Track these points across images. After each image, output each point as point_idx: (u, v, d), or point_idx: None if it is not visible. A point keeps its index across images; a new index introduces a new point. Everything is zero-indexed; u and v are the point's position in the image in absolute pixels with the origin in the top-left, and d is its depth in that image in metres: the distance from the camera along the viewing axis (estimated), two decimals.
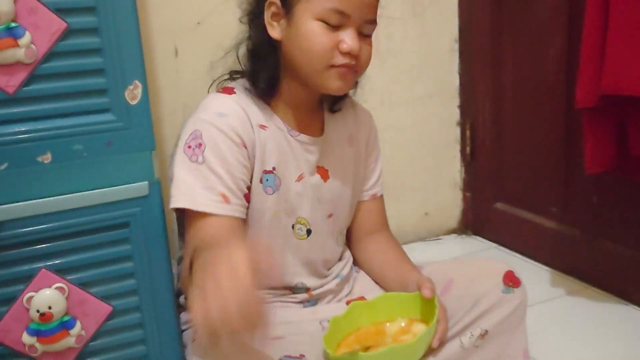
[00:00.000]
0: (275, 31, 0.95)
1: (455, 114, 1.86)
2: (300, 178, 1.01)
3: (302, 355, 0.88)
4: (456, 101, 1.85)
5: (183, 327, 1.05)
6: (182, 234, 1.01)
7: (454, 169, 1.90)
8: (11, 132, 0.90)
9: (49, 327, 0.94)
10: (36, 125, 0.91)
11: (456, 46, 1.82)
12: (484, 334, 0.94)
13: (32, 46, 0.88)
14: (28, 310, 0.93)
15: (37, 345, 0.94)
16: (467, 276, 1.00)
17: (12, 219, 0.91)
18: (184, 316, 1.06)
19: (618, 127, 1.27)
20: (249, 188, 0.96)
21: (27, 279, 0.93)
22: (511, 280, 0.97)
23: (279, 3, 0.93)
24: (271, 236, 1.01)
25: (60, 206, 0.93)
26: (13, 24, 0.86)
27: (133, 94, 0.95)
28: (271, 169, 0.98)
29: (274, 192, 0.98)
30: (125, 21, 0.92)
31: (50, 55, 0.90)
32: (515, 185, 1.74)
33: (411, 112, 1.79)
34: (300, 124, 1.01)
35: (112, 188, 0.96)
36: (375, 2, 0.94)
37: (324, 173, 1.04)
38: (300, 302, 1.05)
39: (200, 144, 0.92)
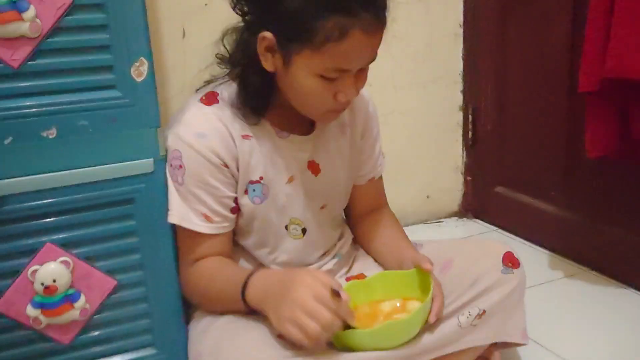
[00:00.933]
0: (268, 63, 0.90)
1: (458, 98, 1.86)
2: (290, 180, 1.01)
3: None
4: (459, 86, 1.85)
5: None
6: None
7: (455, 153, 1.90)
8: (16, 106, 0.90)
9: (53, 300, 0.95)
10: (41, 100, 0.91)
11: (460, 31, 1.81)
12: (481, 314, 0.95)
13: (37, 20, 0.88)
14: (32, 283, 0.94)
15: (41, 317, 0.95)
16: (466, 256, 1.01)
17: (17, 193, 0.92)
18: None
19: (620, 112, 1.27)
20: (236, 199, 0.98)
21: (31, 252, 0.94)
22: (510, 261, 0.98)
23: (274, 43, 0.87)
24: (262, 239, 1.02)
25: (65, 181, 0.94)
26: None
27: (139, 70, 0.95)
28: (258, 179, 0.98)
29: (262, 202, 0.99)
30: None
31: (56, 30, 0.90)
32: (516, 170, 1.75)
33: (414, 96, 1.79)
34: (289, 124, 1.00)
35: (117, 164, 0.96)
36: (379, 44, 0.89)
37: (314, 167, 1.03)
38: None
39: (180, 166, 0.93)
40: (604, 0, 1.20)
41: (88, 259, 0.97)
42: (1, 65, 0.88)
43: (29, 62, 0.89)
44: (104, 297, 0.99)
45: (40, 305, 0.95)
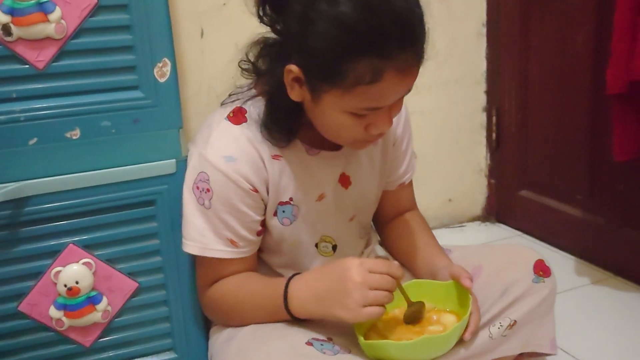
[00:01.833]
0: (294, 94, 0.83)
1: (482, 99, 1.83)
2: (320, 198, 0.97)
3: (330, 339, 0.88)
4: (483, 86, 1.82)
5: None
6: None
7: (479, 155, 1.88)
8: (40, 107, 0.90)
9: (75, 301, 0.95)
10: (65, 101, 0.91)
11: (484, 30, 1.78)
12: (512, 324, 0.92)
13: (62, 21, 0.88)
14: (55, 284, 0.94)
15: (64, 319, 0.95)
16: (496, 263, 0.98)
17: (40, 194, 0.92)
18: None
19: None
20: (264, 222, 0.94)
21: (54, 253, 0.94)
22: (541, 269, 0.95)
23: (301, 77, 0.81)
24: (292, 260, 0.99)
25: (88, 182, 0.94)
26: None
27: (162, 71, 0.94)
28: (288, 200, 0.94)
29: (291, 223, 0.95)
30: None
31: (80, 31, 0.90)
32: (540, 173, 1.72)
33: (436, 97, 1.77)
34: (320, 140, 0.92)
35: (139, 165, 0.96)
36: (415, 78, 0.81)
37: (345, 180, 0.99)
38: None
39: (207, 190, 0.88)
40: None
41: (110, 260, 0.97)
42: (27, 66, 0.89)
43: (54, 63, 0.90)
44: (126, 299, 0.99)
45: (63, 307, 0.95)
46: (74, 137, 0.93)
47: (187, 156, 0.97)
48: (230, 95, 0.98)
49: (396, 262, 0.84)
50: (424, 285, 0.96)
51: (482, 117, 1.85)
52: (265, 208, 0.93)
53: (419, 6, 0.80)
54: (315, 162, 0.95)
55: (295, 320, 0.88)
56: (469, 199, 1.90)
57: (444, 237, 1.75)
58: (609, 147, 1.28)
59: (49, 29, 0.87)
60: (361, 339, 0.85)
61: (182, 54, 1.43)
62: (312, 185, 0.95)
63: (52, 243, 0.94)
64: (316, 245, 1.00)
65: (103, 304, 0.97)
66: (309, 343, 0.84)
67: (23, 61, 0.88)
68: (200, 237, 0.90)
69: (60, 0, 0.87)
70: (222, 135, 0.89)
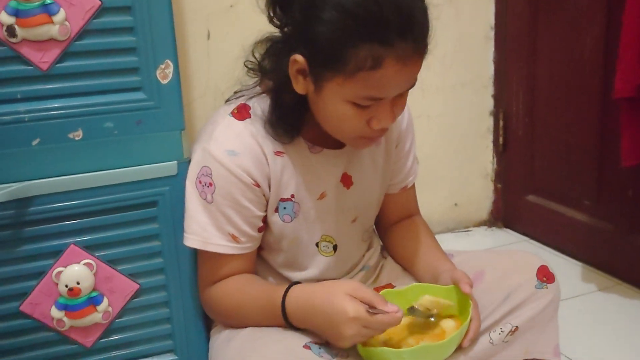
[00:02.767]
0: (299, 86, 0.85)
1: (489, 103, 1.83)
2: (322, 196, 0.97)
3: (327, 341, 0.87)
4: (490, 90, 1.81)
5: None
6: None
7: (485, 159, 1.87)
8: (44, 108, 0.91)
9: (76, 302, 0.95)
10: (68, 102, 0.92)
11: (491, 34, 1.78)
12: (513, 330, 0.92)
13: (66, 23, 0.88)
14: (57, 284, 0.94)
15: (65, 319, 0.95)
16: (499, 268, 0.97)
17: (42, 194, 0.92)
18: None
19: None
20: (265, 218, 0.95)
21: (56, 254, 0.94)
22: (545, 275, 0.94)
23: (305, 67, 0.82)
24: (292, 258, 0.99)
25: (90, 183, 0.94)
26: (48, 1, 0.87)
27: (164, 73, 0.95)
28: (289, 197, 0.94)
29: (292, 220, 0.95)
30: (158, 0, 0.92)
31: (84, 33, 0.90)
32: (547, 177, 1.71)
33: (443, 100, 1.76)
34: (323, 139, 0.93)
35: (141, 167, 0.96)
36: (417, 72, 0.83)
37: (347, 180, 0.99)
38: None
39: (210, 184, 0.89)
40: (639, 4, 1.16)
41: (111, 261, 0.97)
42: (31, 67, 0.89)
43: (57, 65, 0.90)
44: (126, 300, 0.99)
45: (64, 307, 0.95)
46: (77, 138, 0.93)
47: (189, 158, 0.97)
48: (235, 92, 0.99)
49: (395, 307, 0.81)
50: (424, 289, 0.95)
51: (489, 121, 1.84)
52: (267, 204, 0.94)
53: (421, 0, 0.82)
54: (317, 160, 0.95)
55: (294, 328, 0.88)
56: (476, 203, 1.89)
57: (450, 242, 1.76)
58: (618, 151, 1.27)
59: (53, 30, 0.88)
60: (359, 345, 0.84)
61: (188, 55, 1.43)
62: (313, 183, 0.95)
63: (54, 243, 0.94)
64: (317, 245, 0.99)
65: (104, 305, 0.97)
66: (306, 346, 0.83)
67: (27, 62, 0.89)
68: (202, 231, 0.91)
69: (64, 1, 0.87)
70: (226, 130, 0.90)
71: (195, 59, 1.44)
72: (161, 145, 0.97)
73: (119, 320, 1.00)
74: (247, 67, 0.95)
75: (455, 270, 0.94)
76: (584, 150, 1.56)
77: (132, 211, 0.97)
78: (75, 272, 0.94)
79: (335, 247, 1.01)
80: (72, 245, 0.95)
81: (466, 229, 1.88)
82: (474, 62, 1.78)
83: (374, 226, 1.13)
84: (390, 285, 1.05)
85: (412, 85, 0.85)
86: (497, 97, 1.81)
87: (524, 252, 1.01)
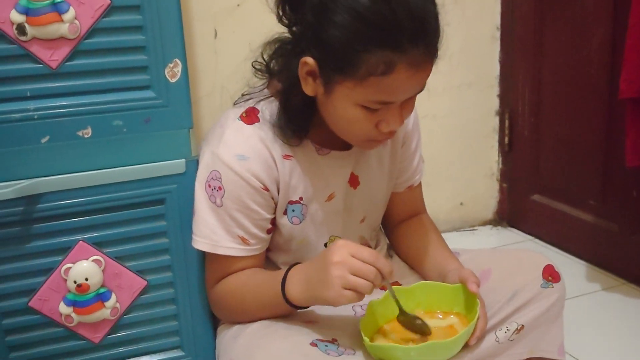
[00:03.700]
0: (308, 88, 0.85)
1: (494, 102, 1.83)
2: (330, 198, 0.97)
3: (334, 340, 0.88)
4: (496, 90, 1.82)
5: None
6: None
7: (491, 159, 1.87)
8: (53, 105, 0.91)
9: (85, 298, 0.96)
10: (77, 100, 0.92)
11: (497, 34, 1.78)
12: (519, 329, 0.92)
13: (76, 22, 0.89)
14: (65, 281, 0.95)
15: (73, 315, 0.96)
16: (505, 267, 0.98)
17: (52, 191, 0.93)
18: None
19: None
20: (274, 220, 0.95)
21: (65, 250, 0.95)
22: (551, 275, 0.95)
23: (316, 69, 0.82)
24: (300, 258, 0.99)
25: (99, 180, 0.95)
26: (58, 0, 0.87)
27: (173, 71, 0.95)
28: (297, 199, 0.94)
29: (300, 222, 0.96)
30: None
31: (93, 31, 0.91)
32: (553, 177, 1.71)
33: (449, 100, 1.76)
34: (330, 141, 0.94)
35: (150, 164, 0.97)
36: (427, 76, 0.82)
37: (353, 180, 0.99)
38: None
39: (219, 188, 0.89)
40: None
41: (119, 258, 0.98)
42: (40, 65, 0.90)
43: (67, 63, 0.91)
44: (134, 297, 1.00)
45: (73, 303, 0.96)
46: (86, 136, 0.94)
47: (197, 156, 0.98)
48: (243, 95, 0.99)
49: (384, 260, 0.81)
50: (431, 287, 0.96)
51: (495, 121, 1.84)
52: (276, 207, 0.94)
53: (434, 4, 0.82)
54: (325, 162, 0.95)
55: (295, 309, 0.88)
56: (481, 203, 1.89)
57: (455, 241, 1.76)
58: (623, 152, 1.27)
59: (62, 28, 0.89)
60: (367, 340, 0.85)
61: (195, 54, 1.44)
62: (322, 185, 0.96)
63: (63, 240, 0.95)
64: (325, 246, 1.00)
65: (112, 301, 0.98)
66: (313, 344, 0.84)
67: (37, 60, 0.89)
68: (212, 234, 0.91)
69: (74, 0, 0.88)
70: (235, 134, 0.90)
71: (202, 58, 1.45)
72: (169, 143, 0.97)
73: (127, 316, 1.01)
74: (255, 68, 0.95)
75: (462, 269, 0.95)
76: (589, 151, 1.56)
77: (140, 208, 0.98)
78: (84, 268, 0.95)
79: None
80: (80, 241, 0.95)
81: (472, 228, 1.88)
82: (480, 62, 1.78)
83: (380, 225, 1.14)
84: (396, 284, 1.05)
85: (422, 89, 0.85)
86: (503, 97, 1.81)
87: (529, 251, 1.02)
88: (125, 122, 0.95)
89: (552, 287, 0.94)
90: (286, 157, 0.92)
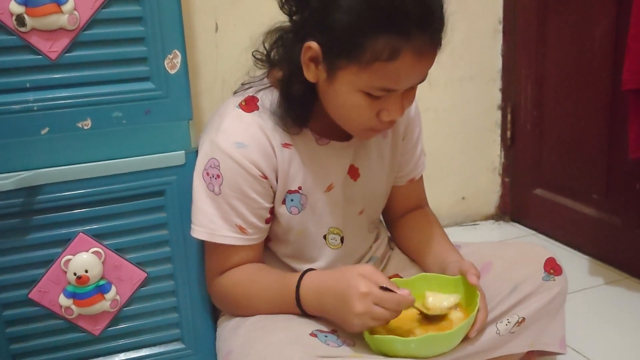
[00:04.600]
0: (310, 74, 0.85)
1: (497, 96, 1.82)
2: (329, 188, 0.97)
3: (334, 331, 0.88)
4: (498, 84, 1.81)
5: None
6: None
7: (493, 153, 1.86)
8: (53, 97, 0.91)
9: (85, 290, 0.96)
10: (77, 92, 0.92)
11: (500, 27, 1.77)
12: (520, 322, 0.92)
13: (75, 13, 0.89)
14: (65, 272, 0.95)
15: (73, 307, 0.96)
16: (506, 260, 0.97)
17: (51, 182, 0.93)
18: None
19: None
20: (272, 210, 0.95)
21: (65, 242, 0.95)
22: (552, 268, 0.94)
23: (320, 54, 0.82)
24: (300, 250, 0.99)
25: (98, 172, 0.95)
26: None
27: (172, 63, 0.95)
28: (296, 189, 0.94)
29: (299, 212, 0.95)
30: None
31: (93, 23, 0.90)
32: (555, 171, 1.70)
33: (451, 94, 1.75)
34: (330, 131, 0.94)
35: (149, 156, 0.97)
36: (431, 65, 0.82)
37: (354, 172, 0.99)
38: None
39: (218, 175, 0.89)
40: None
41: (119, 250, 0.98)
42: (40, 56, 0.90)
43: (66, 54, 0.91)
44: (134, 289, 1.00)
45: (73, 295, 0.96)
46: (86, 127, 0.93)
47: (196, 148, 0.97)
48: (242, 84, 0.99)
49: (406, 291, 0.82)
50: (432, 279, 0.95)
51: (497, 115, 1.83)
52: (274, 196, 0.94)
53: None
54: (324, 152, 0.95)
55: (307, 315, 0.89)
56: (483, 197, 1.88)
57: (457, 235, 1.74)
58: (626, 146, 1.27)
59: (62, 19, 0.88)
60: (366, 333, 0.84)
61: (196, 47, 1.44)
62: (321, 175, 0.95)
63: (63, 232, 0.95)
64: (324, 237, 0.99)
65: (112, 293, 0.98)
66: (313, 334, 0.84)
67: (36, 51, 0.89)
68: (210, 223, 0.91)
69: None
70: (234, 122, 0.90)
71: (203, 51, 1.45)
72: (169, 134, 0.97)
73: (127, 308, 1.00)
74: (255, 57, 0.95)
75: (463, 261, 0.94)
76: (592, 144, 1.55)
77: (140, 200, 0.98)
78: (84, 260, 0.95)
79: (342, 239, 1.01)
80: (80, 233, 0.95)
81: (473, 223, 1.88)
82: (482, 55, 1.77)
83: (381, 218, 1.14)
84: (397, 276, 1.05)
85: (424, 79, 0.85)
86: (505, 91, 1.80)
87: (532, 244, 1.01)
88: (124, 113, 0.94)
89: (554, 280, 0.94)
90: (285, 145, 0.92)
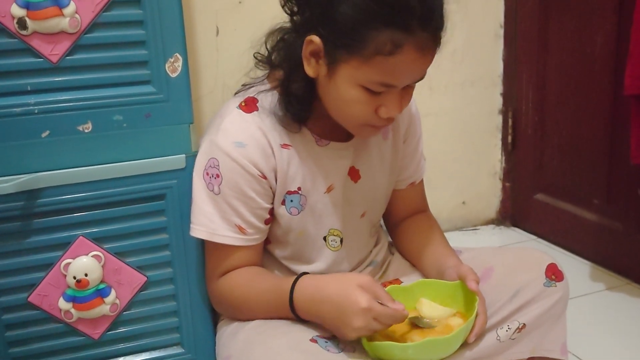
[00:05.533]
0: (311, 69, 0.86)
1: (498, 101, 1.82)
2: (329, 189, 0.97)
3: (334, 336, 0.87)
4: (499, 88, 1.81)
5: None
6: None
7: (494, 158, 1.86)
8: (54, 100, 0.91)
9: (84, 294, 0.96)
10: (78, 95, 0.92)
11: (501, 31, 1.77)
12: (521, 328, 0.91)
13: (76, 16, 0.89)
14: (65, 276, 0.95)
15: (73, 311, 0.96)
16: (507, 265, 0.97)
17: (52, 186, 0.93)
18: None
19: None
20: (272, 211, 0.95)
21: (64, 245, 0.95)
22: (554, 273, 0.94)
23: (321, 47, 0.83)
24: (299, 251, 0.99)
25: (99, 175, 0.95)
26: None
27: (173, 66, 0.95)
28: (296, 189, 0.94)
29: (299, 213, 0.95)
30: None
31: (94, 26, 0.90)
32: (556, 176, 1.70)
33: (452, 98, 1.75)
34: (329, 131, 0.95)
35: (150, 160, 0.97)
36: (430, 64, 0.84)
37: (354, 174, 0.99)
38: None
39: (217, 175, 0.90)
40: None
41: (119, 254, 0.98)
42: (41, 59, 0.90)
43: (67, 57, 0.91)
44: (134, 293, 1.00)
45: (72, 299, 0.96)
46: (86, 131, 0.93)
47: (197, 151, 0.97)
48: (243, 85, 0.99)
49: (401, 306, 0.83)
50: (430, 284, 0.95)
51: (498, 119, 1.83)
52: (274, 196, 0.94)
53: None
54: (324, 153, 0.95)
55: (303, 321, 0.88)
56: (484, 202, 1.88)
57: (458, 240, 1.75)
58: (628, 151, 1.26)
59: (63, 23, 0.88)
60: (364, 339, 0.84)
61: (197, 51, 1.44)
62: (320, 176, 0.96)
63: (63, 235, 0.95)
64: (324, 239, 0.99)
65: (111, 297, 0.98)
66: (313, 340, 0.83)
67: (38, 55, 0.89)
68: (209, 222, 0.91)
69: None
70: (234, 122, 0.91)
71: (204, 55, 1.45)
72: (170, 138, 0.97)
73: (127, 312, 1.00)
74: (256, 58, 0.96)
75: (462, 266, 0.94)
76: (593, 149, 1.55)
77: (141, 204, 0.98)
78: (84, 263, 0.95)
79: (342, 241, 1.01)
80: (80, 237, 0.95)
81: (474, 228, 1.87)
82: (483, 60, 1.77)
83: (381, 222, 1.13)
84: (397, 281, 1.05)
85: (422, 78, 0.85)
86: (506, 95, 1.80)
87: (533, 250, 1.01)
88: (125, 117, 0.94)
89: (555, 286, 0.93)
90: (284, 146, 0.92)
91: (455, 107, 1.77)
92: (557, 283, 0.93)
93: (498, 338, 0.91)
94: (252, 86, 0.96)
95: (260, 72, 0.98)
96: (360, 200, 1.01)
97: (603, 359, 1.17)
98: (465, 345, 0.88)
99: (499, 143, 1.85)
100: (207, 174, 0.91)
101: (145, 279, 1.00)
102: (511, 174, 1.85)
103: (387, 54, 0.78)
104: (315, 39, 0.83)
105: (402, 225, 1.12)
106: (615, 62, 1.43)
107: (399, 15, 0.77)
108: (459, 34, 1.71)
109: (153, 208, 0.98)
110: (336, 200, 0.98)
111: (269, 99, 0.93)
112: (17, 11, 0.86)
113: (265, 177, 0.91)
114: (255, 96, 0.93)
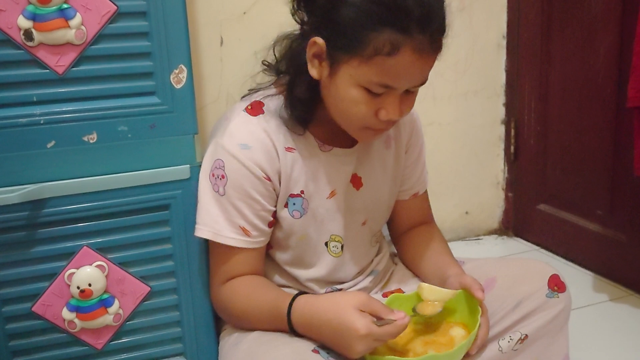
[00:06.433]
0: (314, 70, 0.88)
1: (500, 111, 1.82)
2: (332, 195, 0.98)
3: None
4: (501, 98, 1.81)
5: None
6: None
7: (496, 168, 1.86)
8: (59, 111, 0.92)
9: (88, 303, 0.96)
10: (83, 106, 0.93)
11: (504, 42, 1.78)
12: (523, 339, 0.91)
13: (82, 27, 0.90)
14: (69, 286, 0.95)
15: (76, 321, 0.96)
16: (510, 276, 0.97)
17: (56, 196, 0.93)
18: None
19: None
20: (275, 213, 0.96)
21: (68, 255, 0.95)
22: (556, 285, 0.94)
23: (324, 48, 0.85)
24: (300, 256, 1.00)
25: (104, 186, 0.95)
26: (65, 5, 0.88)
27: (178, 77, 0.96)
28: (299, 193, 0.95)
29: (301, 216, 0.96)
30: (173, 5, 0.93)
31: (100, 37, 0.91)
32: (559, 186, 1.70)
33: (455, 108, 1.76)
34: (333, 137, 0.96)
35: (154, 170, 0.97)
36: (429, 68, 0.85)
37: (356, 181, 1.00)
38: None
39: (222, 176, 0.91)
40: None
41: (123, 264, 0.98)
42: (47, 71, 0.90)
43: (73, 68, 0.91)
44: (137, 303, 1.00)
45: (76, 309, 0.96)
46: (91, 141, 0.94)
47: (201, 162, 0.98)
48: (250, 90, 1.01)
49: (401, 313, 0.82)
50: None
51: (501, 130, 1.83)
52: (277, 198, 0.95)
53: (442, 1, 0.84)
54: (327, 159, 0.97)
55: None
56: (486, 212, 1.88)
57: (460, 250, 1.74)
58: (630, 161, 1.27)
59: (69, 34, 0.89)
60: (366, 354, 0.84)
61: (201, 61, 1.45)
62: (323, 180, 0.97)
63: (67, 245, 0.95)
64: (326, 244, 1.00)
65: (115, 307, 0.98)
66: (315, 350, 0.83)
67: (44, 66, 0.90)
68: (214, 223, 0.92)
69: (80, 6, 0.89)
70: (239, 125, 0.92)
71: (208, 65, 1.46)
72: (174, 149, 0.98)
73: (130, 322, 1.00)
74: (264, 65, 0.98)
75: (464, 276, 0.94)
76: (596, 160, 1.55)
77: (145, 214, 0.98)
78: (87, 274, 0.95)
79: (343, 247, 1.01)
80: (84, 247, 0.95)
81: (477, 238, 1.87)
82: (486, 70, 1.78)
83: (385, 233, 1.13)
84: (399, 291, 1.05)
85: (423, 82, 0.87)
86: (509, 106, 1.81)
87: (535, 261, 1.01)
88: (130, 127, 0.95)
89: (558, 297, 0.93)
90: (288, 149, 0.94)
91: (458, 117, 1.77)
92: (559, 294, 0.93)
93: (500, 349, 0.91)
94: (259, 90, 0.98)
95: (267, 78, 1.00)
96: (361, 208, 1.02)
97: None
98: (466, 357, 0.87)
99: (502, 153, 1.85)
100: (213, 175, 0.92)
101: (149, 289, 1.00)
102: (514, 184, 1.85)
103: (386, 55, 0.80)
104: (319, 40, 0.85)
105: (405, 236, 1.12)
106: (618, 73, 1.44)
107: (398, 16, 0.79)
108: (462, 44, 1.71)
109: (157, 218, 0.98)
110: (338, 206, 0.99)
111: (274, 103, 0.95)
112: (24, 23, 0.87)
113: (269, 179, 0.92)
114: (261, 100, 0.95)
